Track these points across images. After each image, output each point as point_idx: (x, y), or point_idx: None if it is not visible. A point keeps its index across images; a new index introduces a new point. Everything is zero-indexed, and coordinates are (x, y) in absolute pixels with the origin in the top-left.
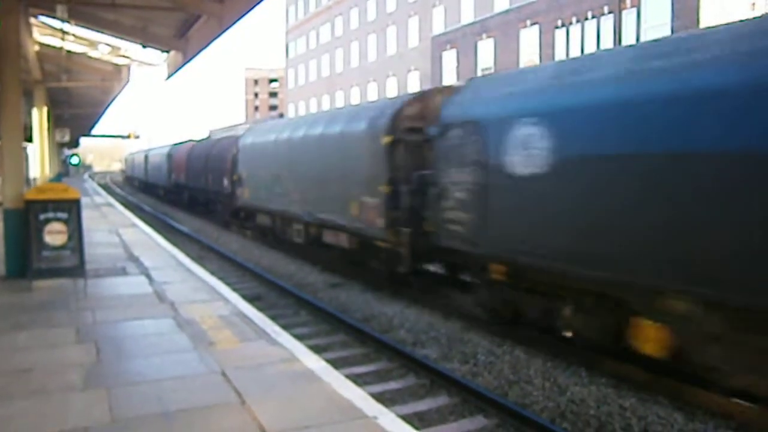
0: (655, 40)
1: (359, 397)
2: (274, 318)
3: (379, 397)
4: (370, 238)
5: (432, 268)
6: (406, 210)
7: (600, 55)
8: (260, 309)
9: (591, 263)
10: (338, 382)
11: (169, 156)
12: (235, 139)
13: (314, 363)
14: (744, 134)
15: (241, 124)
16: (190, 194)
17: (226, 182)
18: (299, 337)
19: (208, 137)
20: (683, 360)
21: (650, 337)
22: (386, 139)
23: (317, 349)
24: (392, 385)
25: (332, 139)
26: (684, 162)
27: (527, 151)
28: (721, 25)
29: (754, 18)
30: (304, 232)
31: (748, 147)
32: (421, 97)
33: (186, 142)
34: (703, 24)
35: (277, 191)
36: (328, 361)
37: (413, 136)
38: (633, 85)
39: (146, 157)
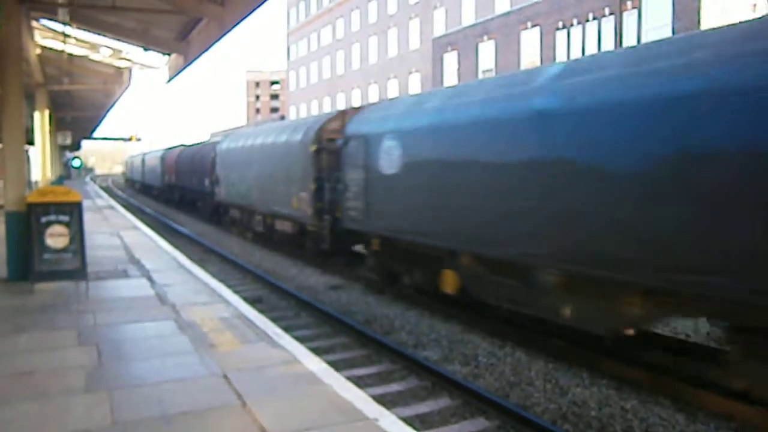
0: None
1: (360, 399)
2: (275, 320)
3: (381, 399)
4: (304, 224)
5: (358, 248)
6: (327, 202)
7: (428, 95)
8: (261, 311)
9: (424, 236)
10: (339, 384)
11: (162, 159)
12: (214, 145)
13: (315, 365)
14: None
15: (242, 127)
16: (180, 194)
17: (207, 182)
18: (300, 340)
19: (200, 143)
20: (464, 293)
21: (449, 281)
22: (313, 148)
23: (318, 351)
24: (393, 387)
25: (279, 147)
26: (464, 168)
27: (389, 157)
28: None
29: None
30: (263, 222)
31: (502, 156)
32: (340, 115)
33: (177, 146)
34: (704, 25)
35: (243, 189)
36: (329, 363)
37: (332, 145)
38: (441, 115)
39: (143, 160)
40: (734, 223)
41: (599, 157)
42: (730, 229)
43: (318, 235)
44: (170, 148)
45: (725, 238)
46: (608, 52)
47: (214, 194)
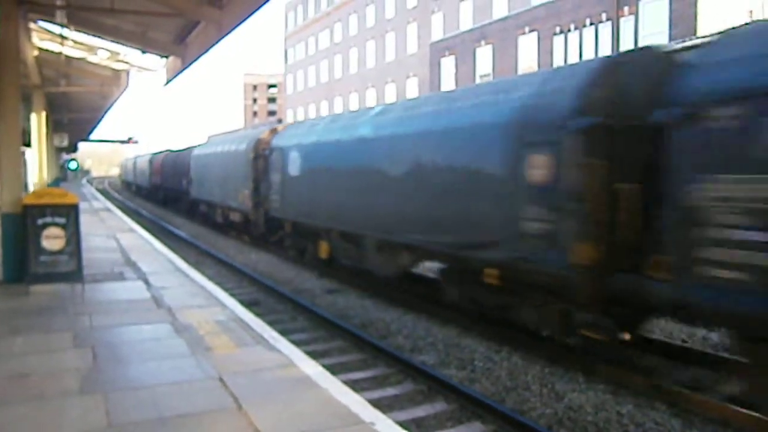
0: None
1: (356, 402)
2: (271, 323)
3: (377, 403)
4: (246, 214)
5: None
6: (261, 197)
7: (317, 120)
8: (258, 314)
9: (312, 219)
10: (336, 388)
11: (150, 162)
12: (190, 152)
13: (312, 369)
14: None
15: (239, 130)
16: (164, 193)
17: (184, 183)
18: (297, 343)
19: (183, 149)
20: (331, 256)
21: (323, 249)
22: (252, 155)
23: (315, 355)
24: (390, 391)
25: (231, 154)
26: (330, 173)
27: (294, 164)
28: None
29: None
30: (221, 214)
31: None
32: (271, 131)
33: (164, 151)
34: (701, 32)
35: (207, 188)
36: (325, 366)
37: (264, 153)
38: (318, 136)
39: (134, 163)
40: (439, 207)
41: (387, 167)
42: (439, 210)
43: (256, 222)
44: (157, 153)
45: (437, 215)
46: (425, 96)
47: (189, 193)
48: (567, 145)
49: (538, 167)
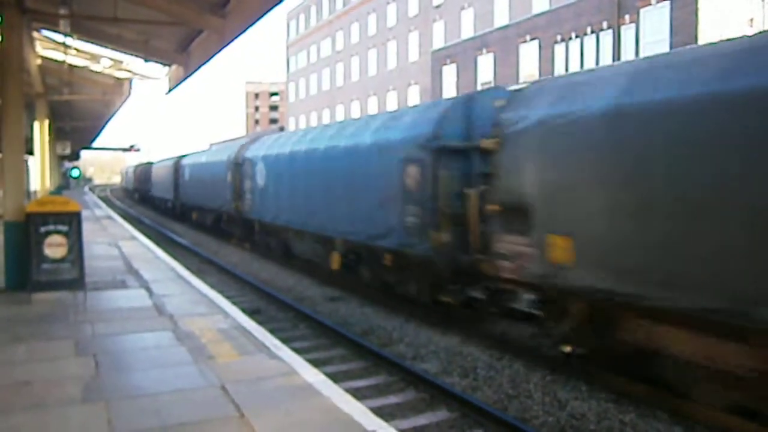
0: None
1: (359, 411)
2: (273, 331)
3: (379, 412)
4: (230, 215)
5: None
6: (240, 200)
7: (275, 136)
8: (260, 322)
9: (275, 219)
10: (338, 396)
11: (134, 171)
12: (178, 160)
13: (313, 377)
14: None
15: (241, 138)
16: (158, 199)
17: (172, 190)
18: (299, 351)
19: (170, 158)
20: (290, 252)
21: (289, 246)
22: (233, 164)
23: (317, 363)
24: (392, 400)
25: (214, 163)
26: (284, 181)
27: (261, 173)
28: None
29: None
30: (212, 217)
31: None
32: (246, 143)
33: (161, 161)
34: (701, 40)
35: (191, 192)
36: (327, 374)
37: (241, 163)
38: (271, 150)
39: (132, 170)
40: (355, 207)
41: (322, 176)
42: (355, 209)
43: (235, 223)
44: (152, 162)
45: (354, 214)
46: (351, 120)
47: (181, 198)
48: (427, 161)
49: (412, 177)
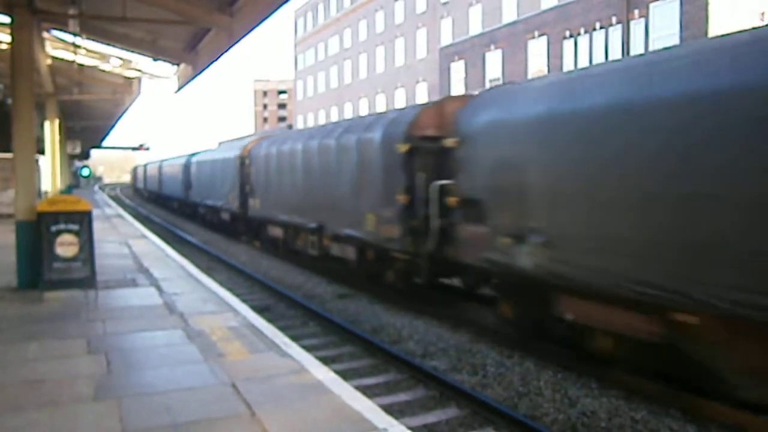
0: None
1: (369, 408)
2: (283, 329)
3: (389, 409)
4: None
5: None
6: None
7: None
8: (269, 320)
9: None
10: (348, 394)
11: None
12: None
13: (324, 374)
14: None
15: (249, 136)
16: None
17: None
18: (308, 349)
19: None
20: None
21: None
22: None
23: (326, 361)
24: (402, 397)
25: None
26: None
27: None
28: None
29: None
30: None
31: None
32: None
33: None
34: (711, 34)
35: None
36: (337, 372)
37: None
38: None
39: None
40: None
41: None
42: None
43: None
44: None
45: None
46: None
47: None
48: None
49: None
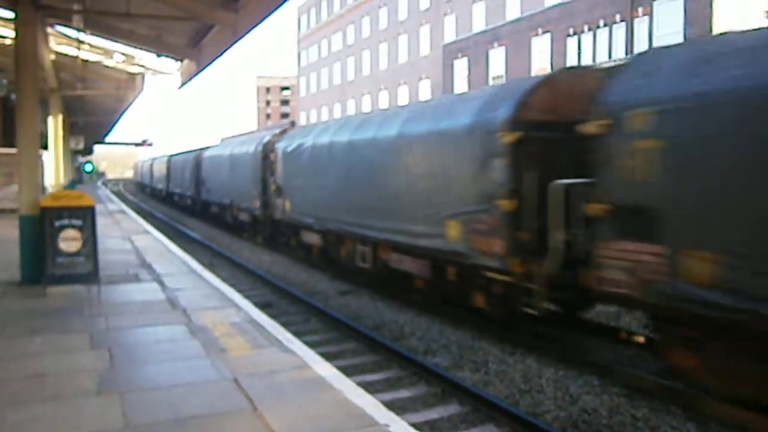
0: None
1: (371, 404)
2: (285, 325)
3: (391, 405)
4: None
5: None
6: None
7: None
8: (272, 316)
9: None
10: (350, 390)
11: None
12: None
13: (326, 370)
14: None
15: (252, 132)
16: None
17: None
18: (311, 345)
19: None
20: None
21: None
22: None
23: (329, 357)
24: (403, 393)
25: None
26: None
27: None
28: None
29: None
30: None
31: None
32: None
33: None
34: (716, 31)
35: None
36: (339, 368)
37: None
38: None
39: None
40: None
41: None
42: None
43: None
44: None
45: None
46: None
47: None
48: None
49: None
